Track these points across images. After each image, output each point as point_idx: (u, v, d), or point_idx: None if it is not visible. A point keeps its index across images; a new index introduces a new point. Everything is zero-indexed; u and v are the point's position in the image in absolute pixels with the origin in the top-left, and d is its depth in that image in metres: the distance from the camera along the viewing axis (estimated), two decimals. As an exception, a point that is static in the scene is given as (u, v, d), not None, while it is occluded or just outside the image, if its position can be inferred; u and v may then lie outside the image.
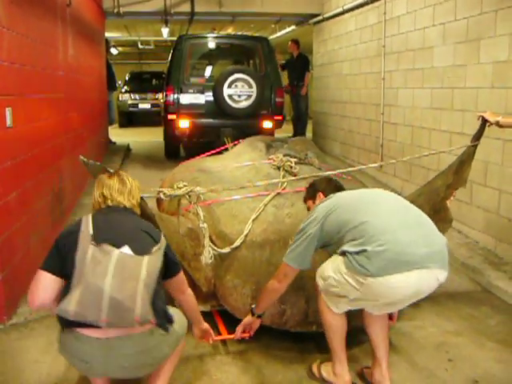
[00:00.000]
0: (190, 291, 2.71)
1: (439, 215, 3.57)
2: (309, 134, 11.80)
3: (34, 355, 3.21)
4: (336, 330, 2.84)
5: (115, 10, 10.02)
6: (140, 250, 2.33)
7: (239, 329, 3.21)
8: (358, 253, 2.57)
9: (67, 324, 2.25)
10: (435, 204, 3.65)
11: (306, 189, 3.32)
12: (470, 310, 3.94)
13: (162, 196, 3.25)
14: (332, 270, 2.72)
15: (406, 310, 3.86)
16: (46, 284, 2.31)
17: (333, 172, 3.96)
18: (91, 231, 2.33)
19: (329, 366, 2.96)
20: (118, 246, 2.30)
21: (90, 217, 2.43)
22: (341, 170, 4.08)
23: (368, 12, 8.10)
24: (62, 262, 2.32)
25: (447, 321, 3.76)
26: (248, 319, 3.17)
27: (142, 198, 2.88)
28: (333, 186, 3.16)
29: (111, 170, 2.74)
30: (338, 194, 2.98)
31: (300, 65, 11.55)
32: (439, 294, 4.17)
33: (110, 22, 11.22)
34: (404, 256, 2.52)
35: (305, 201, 3.29)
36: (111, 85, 11.44)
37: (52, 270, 2.32)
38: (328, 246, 2.85)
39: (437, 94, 5.99)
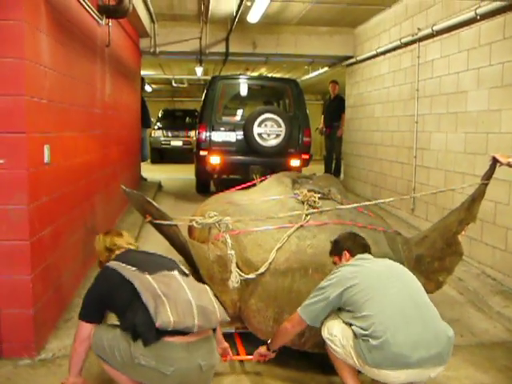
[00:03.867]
0: None
1: (451, 249, 3.86)
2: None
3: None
4: (345, 363, 2.93)
5: (151, 50, 10.32)
6: (183, 273, 2.97)
7: (256, 354, 3.45)
8: (363, 340, 2.75)
9: (156, 336, 2.59)
10: (448, 238, 3.91)
11: (331, 244, 3.44)
12: (506, 361, 3.80)
13: (194, 224, 3.58)
14: (340, 333, 2.91)
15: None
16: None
17: (353, 205, 4.25)
18: (132, 268, 2.81)
19: None
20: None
21: (114, 263, 2.90)
22: (359, 204, 4.41)
23: (401, 55, 8.15)
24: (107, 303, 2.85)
25: (482, 372, 3.63)
26: (264, 351, 3.40)
27: (176, 225, 3.40)
28: (358, 244, 3.27)
29: (149, 199, 3.29)
30: (362, 267, 3.03)
31: (336, 106, 11.68)
32: (474, 344, 4.07)
33: (145, 60, 11.47)
34: (400, 357, 2.66)
35: (330, 254, 3.42)
36: (145, 122, 11.63)
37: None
38: (341, 311, 2.98)
39: (471, 138, 5.94)
